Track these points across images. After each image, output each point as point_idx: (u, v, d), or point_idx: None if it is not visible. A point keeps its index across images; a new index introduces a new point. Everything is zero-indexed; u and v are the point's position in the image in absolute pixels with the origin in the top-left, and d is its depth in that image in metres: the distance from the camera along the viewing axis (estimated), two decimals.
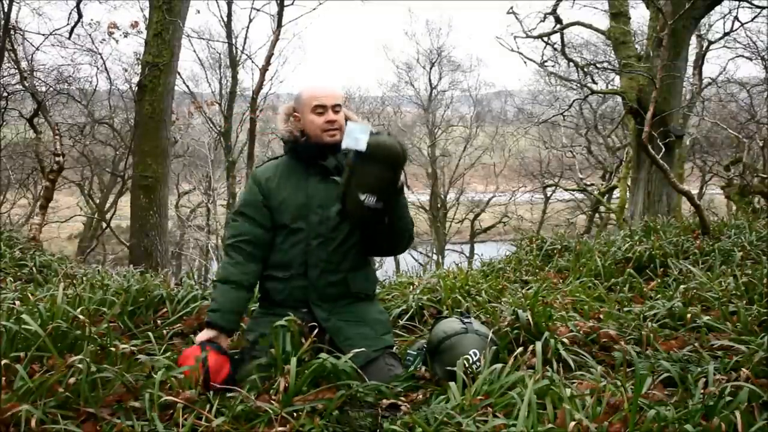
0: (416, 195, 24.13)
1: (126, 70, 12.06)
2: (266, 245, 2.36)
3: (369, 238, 2.35)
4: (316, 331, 2.20)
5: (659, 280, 3.82)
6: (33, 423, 1.66)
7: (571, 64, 10.90)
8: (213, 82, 17.84)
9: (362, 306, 2.38)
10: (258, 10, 14.78)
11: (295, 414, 1.82)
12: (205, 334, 2.26)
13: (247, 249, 2.33)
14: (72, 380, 1.85)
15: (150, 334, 2.57)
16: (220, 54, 17.19)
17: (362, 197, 2.12)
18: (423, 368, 2.27)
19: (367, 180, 2.12)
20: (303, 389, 1.95)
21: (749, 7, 9.29)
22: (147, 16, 8.03)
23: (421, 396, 2.07)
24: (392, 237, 2.33)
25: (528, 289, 3.52)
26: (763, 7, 9.35)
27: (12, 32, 7.69)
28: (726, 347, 2.42)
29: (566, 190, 20.91)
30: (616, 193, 16.09)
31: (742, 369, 2.03)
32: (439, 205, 23.89)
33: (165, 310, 2.96)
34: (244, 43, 21.67)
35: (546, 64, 10.43)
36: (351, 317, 2.33)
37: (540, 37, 9.60)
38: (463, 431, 1.70)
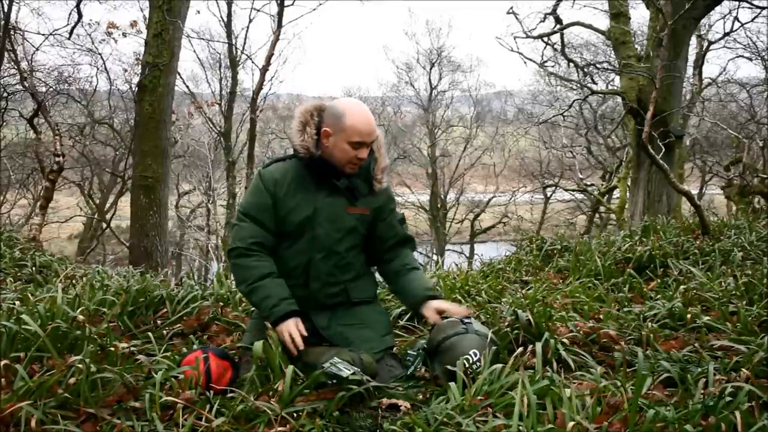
0: (416, 195, 24.15)
1: (126, 70, 12.09)
2: (275, 248, 2.33)
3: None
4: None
5: (659, 281, 3.82)
6: (33, 423, 1.66)
7: (571, 64, 10.90)
8: (213, 83, 17.83)
9: (363, 308, 2.38)
10: (258, 10, 14.88)
11: (295, 414, 1.82)
12: (286, 327, 2.15)
13: (261, 249, 2.29)
14: (72, 380, 1.85)
15: (150, 334, 2.57)
16: (220, 54, 17.20)
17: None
18: (423, 368, 2.27)
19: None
20: (303, 391, 1.95)
21: (749, 7, 9.27)
22: (147, 16, 8.04)
23: (421, 396, 2.07)
24: None
25: (528, 290, 3.52)
26: (763, 8, 9.35)
27: (12, 32, 7.68)
28: (726, 347, 2.42)
29: (566, 190, 20.93)
30: (616, 194, 16.10)
31: (742, 369, 2.03)
32: (439, 206, 23.90)
33: (165, 310, 2.96)
34: (244, 43, 21.72)
35: (546, 64, 10.45)
36: (351, 320, 2.33)
37: (540, 37, 9.61)
38: (463, 431, 1.70)
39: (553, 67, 12.24)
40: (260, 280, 2.23)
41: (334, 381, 1.96)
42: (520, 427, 1.64)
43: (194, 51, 28.31)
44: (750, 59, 14.10)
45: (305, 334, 2.17)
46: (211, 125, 15.80)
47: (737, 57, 14.43)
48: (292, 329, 2.15)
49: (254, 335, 2.28)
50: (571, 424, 1.60)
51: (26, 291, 3.10)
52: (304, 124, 2.29)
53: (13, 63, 7.98)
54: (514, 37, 8.46)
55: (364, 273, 2.43)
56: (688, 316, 2.83)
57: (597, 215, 19.38)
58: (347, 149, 2.22)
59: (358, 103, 2.29)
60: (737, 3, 9.67)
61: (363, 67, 69.97)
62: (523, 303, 2.83)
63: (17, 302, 2.60)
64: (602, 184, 18.49)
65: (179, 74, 10.83)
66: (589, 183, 19.59)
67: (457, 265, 4.66)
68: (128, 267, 5.30)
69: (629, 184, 10.75)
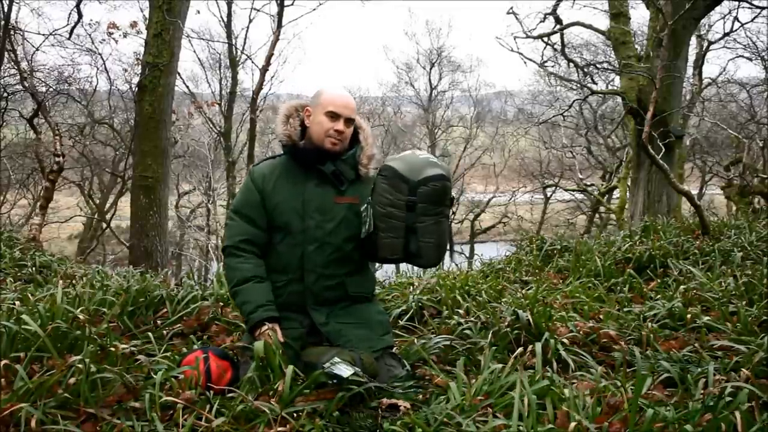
0: None
1: (126, 70, 12.07)
2: (266, 244, 2.35)
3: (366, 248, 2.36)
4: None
5: (659, 281, 3.82)
6: (33, 423, 1.66)
7: (571, 64, 10.90)
8: (213, 83, 17.88)
9: (361, 307, 2.38)
10: (258, 10, 14.89)
11: (295, 414, 1.82)
12: (260, 334, 2.18)
13: (250, 248, 2.31)
14: (72, 380, 1.85)
15: (150, 334, 2.57)
16: (220, 54, 17.23)
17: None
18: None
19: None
20: (303, 391, 1.95)
21: (749, 8, 9.27)
22: (147, 16, 8.03)
23: (421, 396, 2.07)
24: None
25: (528, 290, 3.52)
26: (763, 8, 9.35)
27: (12, 32, 7.68)
28: (726, 348, 2.42)
29: (566, 190, 20.93)
30: (616, 194, 16.10)
31: (742, 369, 2.03)
32: None
33: (165, 310, 2.96)
34: (244, 43, 21.74)
35: (546, 64, 10.44)
36: (350, 319, 2.32)
37: (540, 37, 9.60)
38: (463, 431, 1.70)
39: (553, 67, 12.24)
40: (243, 283, 2.26)
41: (334, 381, 1.96)
42: (520, 427, 1.64)
43: (194, 51, 28.38)
44: (750, 59, 14.10)
45: (282, 340, 2.18)
46: (211, 125, 15.83)
47: (737, 57, 14.43)
48: (266, 337, 2.16)
49: (251, 336, 2.27)
50: (572, 424, 1.60)
51: (26, 291, 3.11)
52: (287, 116, 2.39)
53: (13, 63, 7.98)
54: (514, 37, 8.46)
55: (363, 268, 2.42)
56: (688, 316, 2.83)
57: (597, 215, 19.39)
58: (323, 120, 2.30)
59: (336, 86, 2.41)
60: (737, 3, 9.67)
61: (363, 67, 69.91)
62: (523, 303, 2.84)
63: (17, 302, 2.60)
64: (602, 184, 18.49)
65: (179, 74, 10.86)
66: (589, 183, 19.60)
67: (457, 265, 4.66)
68: (128, 267, 5.30)
69: (629, 184, 10.75)
